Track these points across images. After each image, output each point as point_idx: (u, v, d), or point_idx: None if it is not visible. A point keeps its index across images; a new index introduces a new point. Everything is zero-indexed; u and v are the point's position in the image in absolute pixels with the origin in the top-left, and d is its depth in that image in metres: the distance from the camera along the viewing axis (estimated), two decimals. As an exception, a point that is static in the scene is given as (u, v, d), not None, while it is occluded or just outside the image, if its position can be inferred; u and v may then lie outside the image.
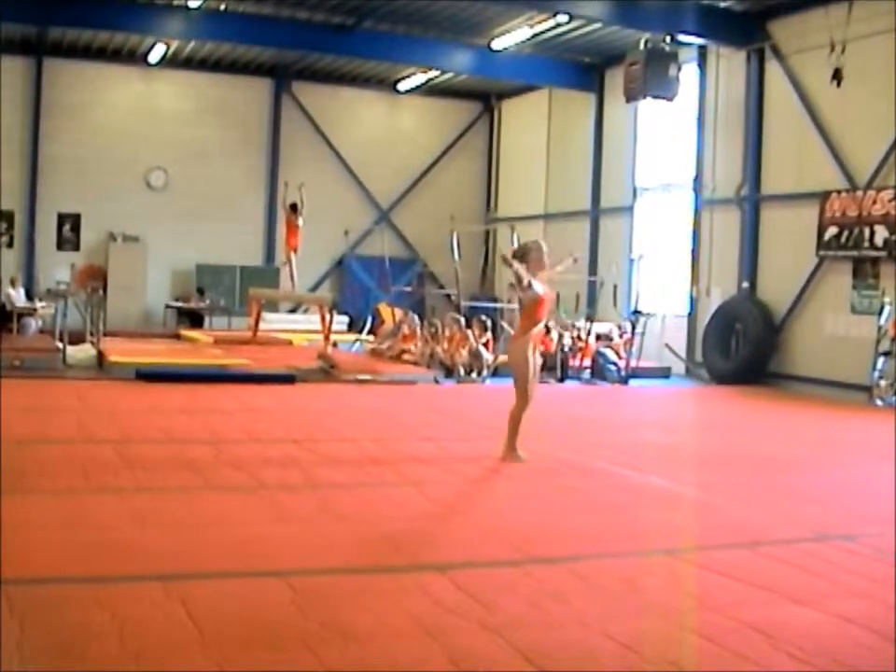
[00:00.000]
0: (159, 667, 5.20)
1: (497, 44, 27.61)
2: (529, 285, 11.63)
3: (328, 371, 20.40)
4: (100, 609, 5.95)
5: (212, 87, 32.47)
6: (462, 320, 23.06)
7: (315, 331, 25.20)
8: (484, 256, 35.43)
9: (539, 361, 12.16)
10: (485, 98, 35.72)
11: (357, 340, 27.16)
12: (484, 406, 17.94)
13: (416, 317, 25.57)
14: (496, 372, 21.94)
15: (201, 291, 30.81)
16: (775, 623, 6.25)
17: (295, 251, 26.63)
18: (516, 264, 11.69)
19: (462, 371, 21.53)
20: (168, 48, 29.72)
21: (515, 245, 12.62)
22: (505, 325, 25.78)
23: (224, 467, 10.66)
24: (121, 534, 7.70)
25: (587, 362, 23.41)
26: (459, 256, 25.44)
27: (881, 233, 20.84)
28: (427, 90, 33.96)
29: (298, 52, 30.60)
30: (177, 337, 27.22)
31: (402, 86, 33.58)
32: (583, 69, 29.91)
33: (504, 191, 35.91)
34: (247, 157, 33.04)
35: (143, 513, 8.35)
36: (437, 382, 20.88)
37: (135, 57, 30.69)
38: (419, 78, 32.58)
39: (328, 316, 23.93)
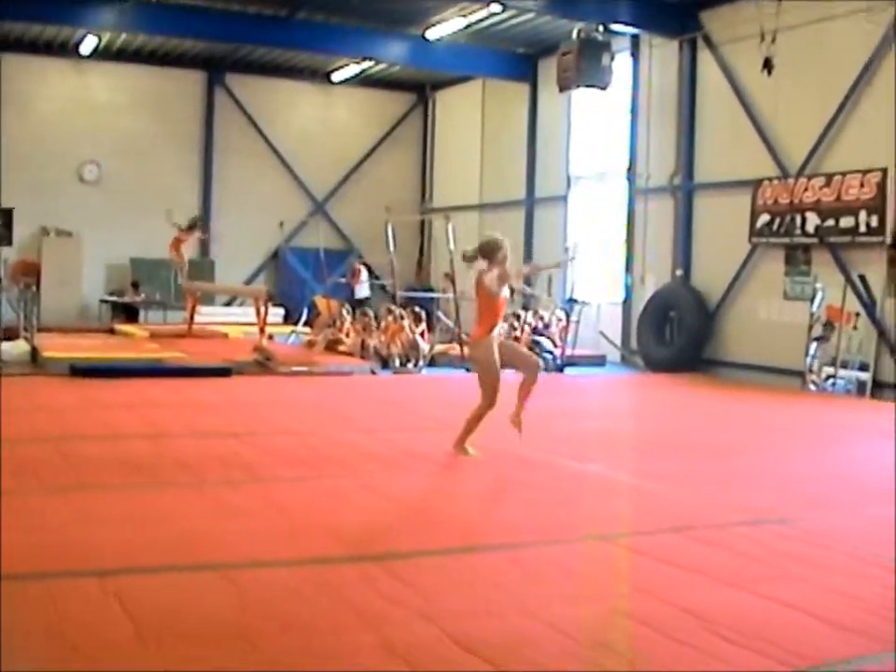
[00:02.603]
0: (91, 664, 5.16)
1: (431, 34, 27.56)
2: (499, 285, 11.42)
3: (264, 364, 20.34)
4: (34, 606, 5.92)
5: (145, 79, 32.14)
6: (398, 311, 23.07)
7: (251, 324, 25.10)
8: (420, 246, 35.48)
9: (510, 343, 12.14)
10: (420, 89, 35.68)
11: (292, 332, 27.07)
12: (422, 396, 17.99)
13: (349, 308, 25.54)
14: (432, 362, 22.00)
15: (135, 285, 30.53)
16: (710, 607, 6.30)
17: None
18: (496, 270, 11.42)
19: (398, 362, 21.55)
20: (100, 39, 29.37)
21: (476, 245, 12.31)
22: (441, 315, 25.86)
23: (164, 461, 10.59)
24: (60, 531, 7.64)
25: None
26: (395, 246, 25.46)
27: (812, 220, 21.01)
28: (362, 80, 33.82)
29: (231, 44, 30.40)
30: (112, 332, 26.97)
31: (337, 77, 33.39)
32: (517, 59, 29.93)
33: (439, 182, 35.91)
34: (181, 150, 32.78)
35: (83, 510, 8.28)
36: (373, 373, 20.88)
37: (67, 49, 30.29)
38: (353, 69, 32.42)
39: (263, 309, 23.85)
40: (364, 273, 29.57)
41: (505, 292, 11.48)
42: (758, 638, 5.78)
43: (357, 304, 26.85)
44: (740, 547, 7.86)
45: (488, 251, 11.54)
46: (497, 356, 11.40)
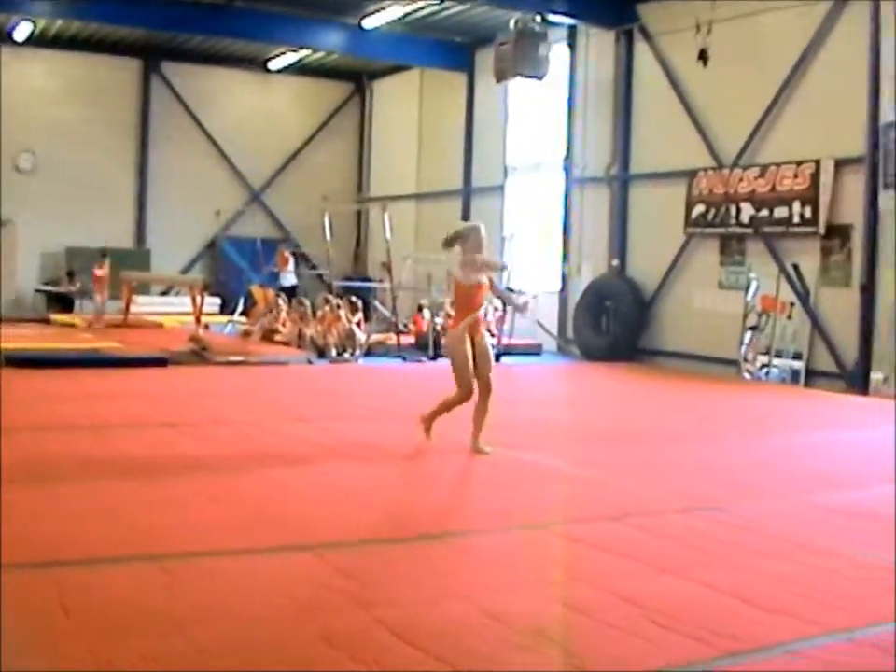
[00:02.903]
0: (24, 656, 5.08)
1: (368, 23, 27.46)
2: (468, 272, 11.21)
3: (200, 354, 20.22)
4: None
5: (81, 67, 31.85)
6: (335, 300, 23.00)
7: (188, 314, 24.97)
8: (357, 236, 35.42)
9: (490, 343, 11.77)
10: (357, 78, 35.59)
11: (229, 321, 26.95)
12: (358, 386, 17.96)
13: (284, 298, 25.46)
14: (369, 352, 21.96)
15: (71, 275, 30.28)
16: (645, 594, 6.33)
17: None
18: (480, 258, 11.28)
19: (335, 352, 21.50)
20: (35, 26, 29.10)
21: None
22: (378, 305, 25.81)
23: (101, 452, 10.50)
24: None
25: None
26: (331, 236, 25.40)
27: (747, 211, 21.16)
28: (299, 69, 33.72)
29: (168, 32, 30.10)
30: (47, 322, 26.80)
31: (274, 65, 33.25)
32: (455, 49, 29.88)
33: (376, 171, 35.85)
34: (117, 138, 32.50)
35: (17, 504, 8.12)
36: (310, 362, 20.82)
37: (1, 36, 29.93)
38: (291, 58, 32.31)
39: (199, 298, 23.73)
40: (291, 262, 29.43)
41: (476, 279, 11.20)
42: (692, 623, 5.81)
43: (284, 292, 26.78)
44: (676, 534, 7.91)
45: (459, 238, 11.39)
46: (467, 346, 11.16)
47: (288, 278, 28.91)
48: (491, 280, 11.76)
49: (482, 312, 11.54)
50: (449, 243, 11.48)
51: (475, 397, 11.27)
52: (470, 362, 11.15)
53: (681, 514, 8.61)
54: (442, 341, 11.70)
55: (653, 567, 7.00)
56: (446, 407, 11.48)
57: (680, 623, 5.81)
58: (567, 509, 8.84)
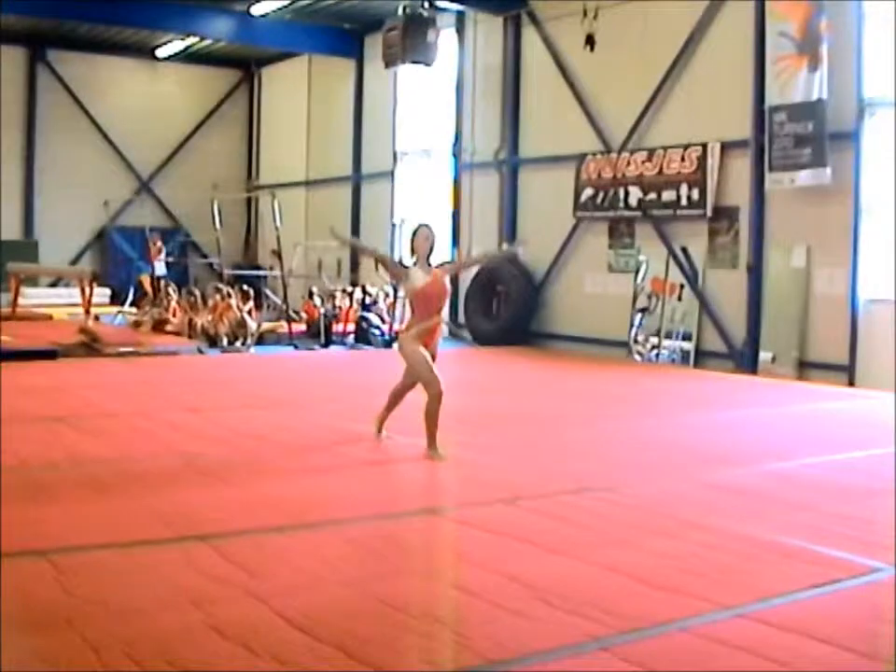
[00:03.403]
0: None
1: (256, 10, 27.22)
2: (406, 275, 10.62)
3: (90, 346, 19.92)
4: None
5: (-38, 56, 31.28)
6: (225, 289, 22.82)
7: (77, 305, 24.64)
8: (247, 224, 35.21)
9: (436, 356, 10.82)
10: (246, 65, 35.34)
11: (119, 312, 26.65)
12: (250, 374, 17.81)
13: (174, 287, 25.23)
14: (260, 341, 21.81)
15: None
16: (537, 575, 6.35)
17: None
18: (455, 265, 10.96)
19: (226, 341, 21.32)
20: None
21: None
22: (269, 293, 25.67)
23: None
24: None
25: (351, 327, 23.38)
26: (221, 224, 25.21)
27: (635, 194, 21.31)
28: (187, 57, 33.31)
29: (54, 20, 29.57)
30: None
31: (161, 53, 32.83)
32: (343, 35, 29.67)
33: (266, 159, 35.66)
34: (2, 128, 31.84)
35: None
36: (201, 352, 20.62)
37: None
38: (178, 45, 31.90)
39: (88, 289, 23.42)
40: (163, 251, 29.17)
41: (421, 281, 10.47)
42: (584, 603, 5.84)
43: (154, 282, 26.62)
44: (568, 515, 7.93)
45: (411, 241, 10.82)
46: (419, 348, 10.47)
47: (160, 267, 28.65)
48: (457, 266, 11.81)
49: (439, 318, 10.83)
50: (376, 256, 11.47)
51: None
52: (429, 359, 10.53)
53: (573, 496, 8.63)
54: (394, 345, 11.52)
55: (545, 548, 7.01)
56: (432, 418, 10.54)
57: (572, 604, 5.82)
58: (458, 493, 8.83)
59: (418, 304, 10.62)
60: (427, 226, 10.87)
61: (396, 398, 11.33)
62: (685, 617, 5.70)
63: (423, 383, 10.62)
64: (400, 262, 11.11)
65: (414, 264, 10.65)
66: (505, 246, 12.03)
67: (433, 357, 10.64)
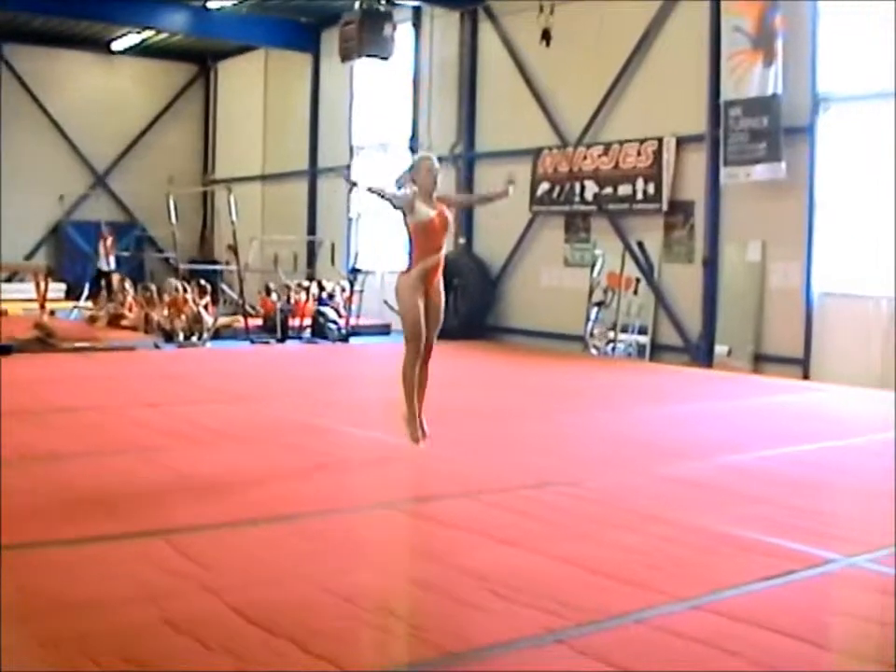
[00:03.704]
0: None
1: (213, 3, 27.13)
2: (411, 207, 10.04)
3: (45, 341, 19.78)
4: None
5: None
6: (182, 284, 22.71)
7: (32, 300, 24.45)
8: (203, 218, 35.08)
9: (441, 301, 10.28)
10: (202, 59, 35.19)
11: (74, 307, 26.50)
12: (206, 369, 17.75)
13: (130, 282, 25.11)
14: (216, 335, 21.72)
15: None
16: (493, 568, 6.34)
17: None
18: (454, 198, 10.58)
19: (182, 336, 21.21)
20: None
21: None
22: (225, 287, 25.57)
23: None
24: None
25: (308, 321, 23.34)
26: (177, 219, 25.10)
27: (591, 188, 21.36)
28: (143, 50, 33.09)
29: (8, 13, 29.27)
30: None
31: (117, 46, 32.60)
32: (300, 29, 29.60)
33: (222, 153, 35.53)
34: (-45, 122, 31.69)
35: None
36: (157, 347, 20.50)
37: None
38: (134, 39, 31.69)
39: (43, 284, 23.27)
40: (115, 245, 29.03)
41: (426, 214, 10.01)
42: (540, 596, 5.83)
43: (103, 277, 26.49)
44: (526, 509, 7.91)
45: (411, 170, 10.33)
46: (419, 297, 9.99)
47: (107, 262, 28.47)
48: (453, 201, 11.06)
49: (441, 255, 10.19)
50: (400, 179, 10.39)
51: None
52: (422, 313, 9.96)
53: (533, 489, 8.62)
54: (393, 286, 10.36)
55: (503, 542, 6.99)
56: (409, 383, 10.05)
57: (529, 596, 5.81)
58: (417, 487, 8.81)
59: (421, 239, 10.04)
60: (429, 157, 10.43)
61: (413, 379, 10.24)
62: (641, 609, 5.69)
63: (406, 337, 10.02)
64: (410, 203, 10.14)
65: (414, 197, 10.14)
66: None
67: (436, 306, 10.16)
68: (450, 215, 10.36)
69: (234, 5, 27.10)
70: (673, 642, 5.25)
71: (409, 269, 10.15)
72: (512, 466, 9.66)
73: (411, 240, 10.24)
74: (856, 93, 17.34)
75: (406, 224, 10.17)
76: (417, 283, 9.97)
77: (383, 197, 10.46)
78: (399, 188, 10.49)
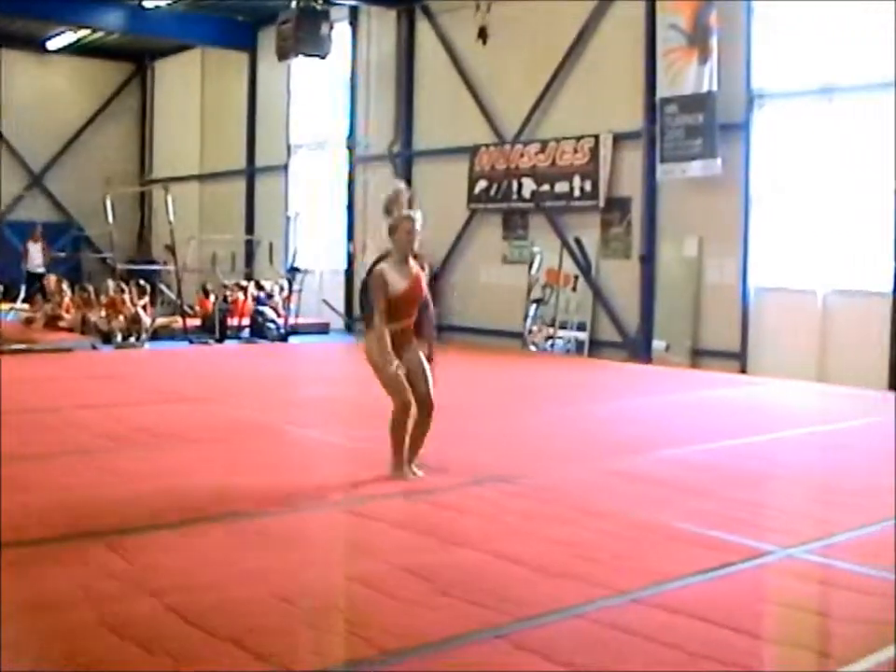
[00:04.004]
0: None
1: (148, 1, 26.89)
2: (382, 282, 8.87)
3: (-18, 343, 19.60)
4: None
5: None
6: (120, 284, 22.54)
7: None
8: (140, 218, 34.84)
9: (418, 355, 9.35)
10: (139, 58, 34.90)
11: (11, 308, 26.23)
12: (145, 370, 17.62)
13: (67, 283, 24.93)
14: (154, 336, 21.57)
15: None
16: (434, 566, 6.34)
17: None
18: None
19: (120, 336, 21.05)
20: None
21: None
22: (163, 287, 25.43)
23: None
24: None
25: (246, 321, 23.23)
26: (115, 219, 24.91)
27: (528, 186, 21.40)
28: (79, 49, 32.75)
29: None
30: None
31: (52, 45, 32.19)
32: (237, 28, 29.42)
33: (159, 152, 35.28)
34: None
35: None
36: (94, 348, 20.33)
37: None
38: (70, 37, 31.32)
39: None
40: (45, 247, 28.86)
41: (396, 287, 8.89)
42: (481, 592, 5.84)
43: (35, 279, 26.36)
44: (467, 505, 7.91)
45: (387, 206, 9.10)
46: (388, 352, 8.89)
47: (39, 265, 28.28)
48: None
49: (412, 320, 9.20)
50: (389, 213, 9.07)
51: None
52: (399, 367, 8.94)
53: (472, 486, 8.61)
54: (362, 345, 9.26)
55: (443, 539, 6.97)
56: (397, 434, 9.08)
57: (470, 593, 5.81)
58: (357, 486, 8.75)
59: (393, 310, 8.98)
60: (409, 219, 8.98)
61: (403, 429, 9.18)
62: (581, 603, 5.70)
63: (390, 394, 9.12)
64: (381, 279, 8.94)
65: (381, 259, 9.07)
66: None
67: (413, 360, 9.29)
68: (424, 276, 9.31)
69: (170, 3, 26.89)
70: (613, 635, 5.26)
71: (373, 332, 9.11)
72: (454, 462, 9.62)
73: (386, 309, 8.97)
74: (790, 90, 17.48)
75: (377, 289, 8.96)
76: (385, 342, 8.93)
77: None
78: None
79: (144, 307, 21.94)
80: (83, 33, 30.75)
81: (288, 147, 28.53)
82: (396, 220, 8.98)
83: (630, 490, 8.62)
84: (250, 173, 30.04)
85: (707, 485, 8.80)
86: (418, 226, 8.96)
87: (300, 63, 25.96)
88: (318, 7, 23.58)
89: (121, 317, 21.40)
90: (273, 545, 6.88)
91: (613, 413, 13.19)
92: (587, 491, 8.53)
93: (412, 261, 9.06)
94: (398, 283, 8.91)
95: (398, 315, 9.00)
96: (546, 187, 21.03)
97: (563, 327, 20.76)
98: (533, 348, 21.10)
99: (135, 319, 21.36)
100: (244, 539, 7.02)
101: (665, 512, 7.77)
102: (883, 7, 16.00)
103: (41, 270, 27.92)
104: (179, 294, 23.38)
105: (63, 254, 29.58)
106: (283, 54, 24.08)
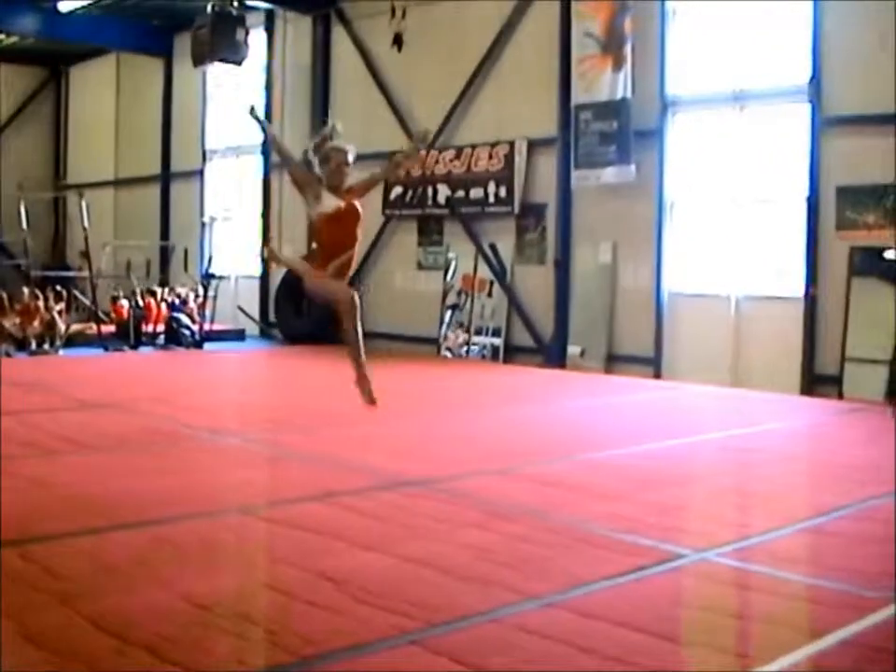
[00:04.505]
0: None
1: (63, 6, 26.62)
2: (317, 196, 9.29)
3: None
4: None
5: None
6: (34, 291, 22.25)
7: None
8: (55, 224, 34.46)
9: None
10: (53, 63, 34.46)
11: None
12: (60, 376, 17.38)
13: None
14: (70, 342, 21.32)
15: None
16: (348, 571, 6.27)
17: None
18: (361, 183, 9.38)
19: (35, 343, 20.77)
20: None
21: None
22: (78, 294, 25.16)
23: None
24: None
25: (161, 327, 23.01)
26: (28, 225, 24.63)
27: (444, 192, 21.39)
28: (-10, 53, 32.42)
29: None
30: None
31: (-38, 49, 31.87)
32: (153, 33, 29.17)
33: (74, 158, 34.89)
34: None
35: None
36: (8, 355, 20.05)
37: None
38: (-19, 42, 31.02)
39: None
40: None
41: (333, 203, 9.18)
42: (394, 597, 5.79)
43: None
44: (379, 511, 7.84)
45: (321, 158, 9.36)
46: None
47: None
48: (361, 187, 9.83)
49: (353, 252, 9.35)
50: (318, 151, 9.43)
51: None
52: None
53: (384, 490, 8.55)
54: (305, 284, 9.70)
55: (356, 544, 6.91)
56: (353, 341, 9.53)
57: (382, 598, 5.76)
58: (269, 491, 8.67)
59: (330, 234, 9.25)
60: (341, 150, 9.39)
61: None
62: (495, 608, 5.66)
63: (336, 297, 9.36)
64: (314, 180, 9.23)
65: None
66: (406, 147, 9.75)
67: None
68: (360, 207, 9.39)
69: (86, 7, 26.60)
70: (527, 640, 5.22)
71: (318, 267, 9.29)
72: (365, 468, 9.56)
73: (317, 235, 9.32)
74: (703, 96, 17.62)
75: (309, 215, 9.32)
76: (325, 282, 9.14)
77: (285, 160, 9.64)
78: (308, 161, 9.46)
79: (59, 313, 21.67)
80: (-4, 37, 30.38)
81: (204, 153, 28.35)
82: (328, 151, 9.20)
83: (543, 494, 8.57)
84: (165, 178, 29.79)
85: (621, 489, 8.79)
86: (350, 157, 9.22)
87: (216, 69, 25.77)
88: (234, 13, 23.41)
89: (36, 324, 21.13)
90: (187, 551, 6.78)
91: (525, 419, 13.16)
92: (499, 495, 8.48)
93: (344, 193, 9.24)
94: (331, 203, 9.16)
95: (340, 242, 9.20)
96: (461, 192, 21.04)
97: (478, 332, 20.76)
98: (448, 354, 21.08)
99: (51, 325, 21.08)
100: (157, 544, 6.90)
101: (578, 516, 7.75)
102: (795, 14, 16.20)
103: None
104: (94, 300, 23.13)
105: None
106: (198, 60, 23.88)
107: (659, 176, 17.94)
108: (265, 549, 6.89)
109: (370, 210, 22.17)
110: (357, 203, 9.40)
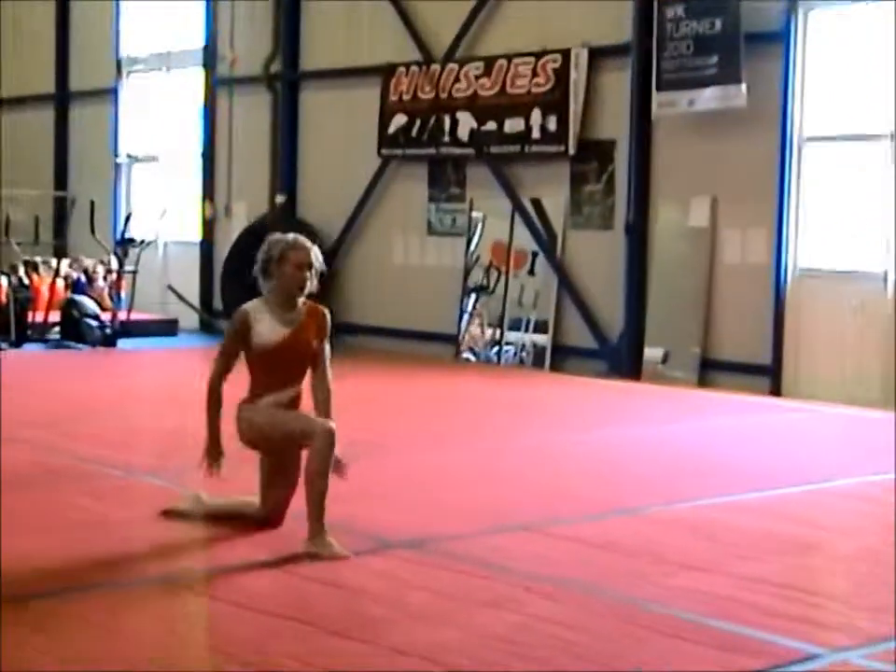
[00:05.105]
0: None
1: None
2: (246, 326, 9.07)
3: None
4: None
5: None
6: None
7: None
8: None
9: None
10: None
11: None
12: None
13: None
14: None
15: None
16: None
17: None
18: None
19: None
20: None
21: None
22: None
23: None
24: None
25: (56, 317, 22.90)
26: None
27: (466, 123, 21.25)
28: None
29: None
30: None
31: None
32: None
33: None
34: None
35: None
36: None
37: None
38: None
39: None
40: None
41: (269, 337, 9.03)
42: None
43: None
44: (359, 582, 7.79)
45: (265, 263, 9.16)
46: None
47: None
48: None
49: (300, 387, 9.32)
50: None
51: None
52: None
53: (369, 555, 8.55)
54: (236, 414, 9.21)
55: (325, 629, 6.87)
56: (319, 493, 8.83)
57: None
58: (206, 550, 8.66)
59: (263, 370, 9.22)
60: (301, 247, 9.25)
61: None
62: None
63: (302, 436, 9.07)
64: (241, 321, 9.20)
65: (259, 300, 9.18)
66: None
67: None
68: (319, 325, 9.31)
69: None
70: None
71: (251, 398, 9.33)
72: (346, 523, 9.51)
73: (249, 367, 9.31)
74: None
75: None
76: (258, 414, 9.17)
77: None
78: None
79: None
80: None
81: (118, 64, 28.35)
82: (281, 250, 9.06)
83: (594, 560, 8.58)
84: (62, 98, 29.86)
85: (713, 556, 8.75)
86: (315, 260, 9.13)
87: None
88: None
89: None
90: (84, 635, 6.77)
91: (581, 451, 13.14)
92: (528, 562, 8.43)
93: (300, 306, 9.14)
94: (270, 332, 9.05)
95: (276, 380, 9.16)
96: (492, 125, 20.96)
97: (514, 327, 20.69)
98: (471, 357, 21.03)
99: None
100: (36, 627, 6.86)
101: (649, 593, 7.70)
102: None
103: None
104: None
105: None
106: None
107: (783, 102, 17.82)
108: (203, 631, 6.84)
109: (360, 149, 22.36)
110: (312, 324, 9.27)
